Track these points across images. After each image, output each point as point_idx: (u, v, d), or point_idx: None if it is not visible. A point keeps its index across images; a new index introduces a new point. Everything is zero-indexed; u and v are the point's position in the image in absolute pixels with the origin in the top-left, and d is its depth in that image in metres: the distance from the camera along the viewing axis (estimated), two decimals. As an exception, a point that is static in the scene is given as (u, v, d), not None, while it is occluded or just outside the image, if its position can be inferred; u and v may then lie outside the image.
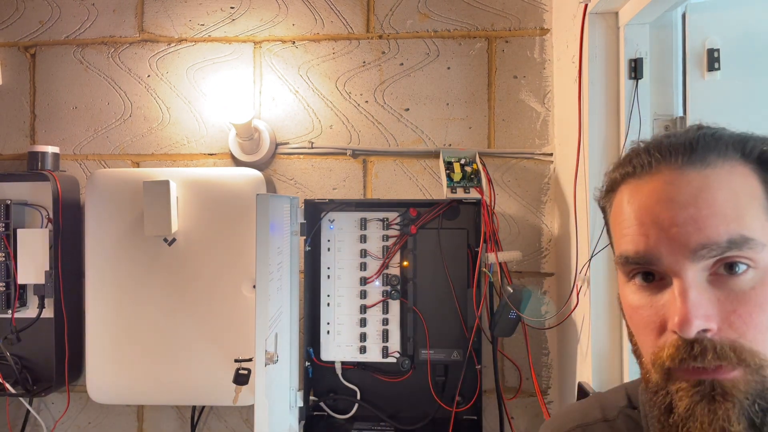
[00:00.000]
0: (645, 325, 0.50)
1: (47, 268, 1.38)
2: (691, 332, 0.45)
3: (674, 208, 0.48)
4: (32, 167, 1.41)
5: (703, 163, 0.48)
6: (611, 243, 0.58)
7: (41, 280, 1.38)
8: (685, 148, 0.49)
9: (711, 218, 0.46)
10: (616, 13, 1.13)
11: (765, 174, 0.49)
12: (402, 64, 1.47)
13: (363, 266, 1.33)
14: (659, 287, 0.49)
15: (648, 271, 0.50)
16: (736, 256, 0.46)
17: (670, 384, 0.48)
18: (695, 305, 0.45)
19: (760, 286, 0.46)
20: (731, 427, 0.45)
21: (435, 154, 1.46)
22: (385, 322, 1.32)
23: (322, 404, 1.33)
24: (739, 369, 0.45)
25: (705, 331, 0.45)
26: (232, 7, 1.50)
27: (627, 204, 0.52)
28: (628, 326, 0.56)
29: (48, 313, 1.38)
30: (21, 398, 1.45)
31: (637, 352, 0.55)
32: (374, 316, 1.32)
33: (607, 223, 0.59)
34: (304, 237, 1.30)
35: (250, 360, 1.23)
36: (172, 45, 1.51)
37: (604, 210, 0.59)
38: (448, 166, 1.31)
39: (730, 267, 0.46)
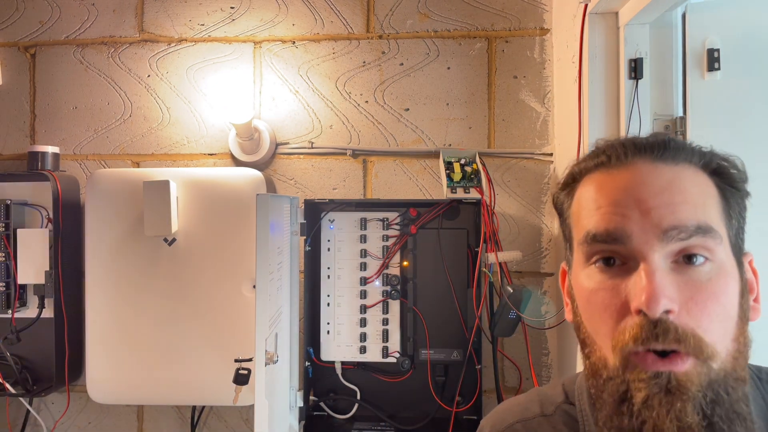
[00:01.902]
0: (604, 309, 0.51)
1: (47, 268, 1.38)
2: (658, 309, 0.47)
3: (650, 192, 0.51)
4: (32, 167, 1.41)
5: (674, 161, 0.53)
6: (566, 234, 0.61)
7: (41, 280, 1.38)
8: (659, 145, 0.54)
9: (682, 204, 0.50)
10: (616, 13, 1.13)
11: (720, 183, 0.54)
12: (402, 64, 1.47)
13: (363, 266, 1.33)
14: (621, 272, 0.51)
15: (609, 257, 0.52)
16: (699, 245, 0.50)
17: (628, 372, 0.49)
18: (661, 285, 0.48)
19: (715, 279, 0.50)
20: (686, 418, 0.47)
21: (435, 154, 1.46)
22: (385, 322, 1.32)
23: (322, 404, 1.33)
24: (691, 359, 0.48)
25: (667, 312, 0.48)
26: (232, 7, 1.50)
27: (599, 188, 0.55)
28: (577, 314, 0.57)
29: (48, 313, 1.38)
30: (21, 398, 1.45)
31: (587, 341, 0.55)
32: (374, 316, 1.32)
33: (563, 215, 0.62)
34: (304, 237, 1.30)
35: (250, 360, 1.23)
36: (172, 45, 1.51)
37: (560, 205, 0.62)
38: (448, 166, 1.31)
39: (689, 258, 0.50)
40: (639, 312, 0.48)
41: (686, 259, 0.50)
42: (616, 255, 0.52)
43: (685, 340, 0.47)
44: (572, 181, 0.60)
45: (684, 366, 0.47)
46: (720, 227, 0.51)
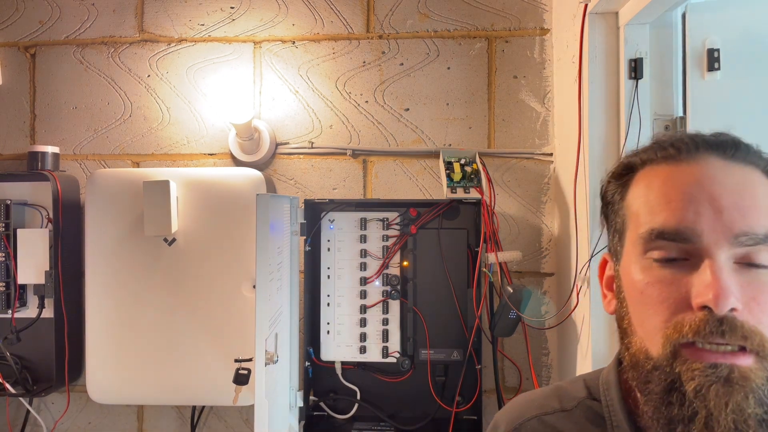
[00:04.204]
0: (660, 302, 0.51)
1: (47, 268, 1.38)
2: (726, 307, 0.47)
3: (723, 190, 0.50)
4: (32, 167, 1.41)
5: (744, 162, 0.53)
6: (617, 225, 0.58)
7: (41, 280, 1.38)
8: (731, 144, 0.53)
9: (753, 209, 0.50)
10: (616, 13, 1.13)
11: None
12: (402, 64, 1.47)
13: (363, 266, 1.33)
14: (682, 267, 0.51)
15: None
16: (765, 251, 0.49)
17: (678, 363, 0.49)
18: (728, 283, 0.48)
19: None
20: (747, 409, 0.46)
21: (435, 154, 1.46)
22: (385, 322, 1.32)
23: (322, 404, 1.33)
24: (753, 356, 0.48)
25: (732, 310, 0.48)
26: (232, 7, 1.50)
27: (667, 180, 0.53)
28: (623, 305, 0.56)
29: (48, 313, 1.38)
30: (21, 398, 1.45)
31: (628, 331, 0.55)
32: (374, 316, 1.32)
33: (613, 206, 0.59)
34: (304, 237, 1.30)
35: (250, 360, 1.23)
36: (172, 45, 1.51)
37: (611, 194, 0.59)
38: (448, 166, 1.31)
39: (752, 261, 0.50)
40: (702, 308, 0.48)
41: (748, 261, 0.50)
42: (680, 252, 0.51)
43: (752, 337, 0.47)
44: (627, 172, 0.58)
45: (747, 361, 0.47)
46: None
